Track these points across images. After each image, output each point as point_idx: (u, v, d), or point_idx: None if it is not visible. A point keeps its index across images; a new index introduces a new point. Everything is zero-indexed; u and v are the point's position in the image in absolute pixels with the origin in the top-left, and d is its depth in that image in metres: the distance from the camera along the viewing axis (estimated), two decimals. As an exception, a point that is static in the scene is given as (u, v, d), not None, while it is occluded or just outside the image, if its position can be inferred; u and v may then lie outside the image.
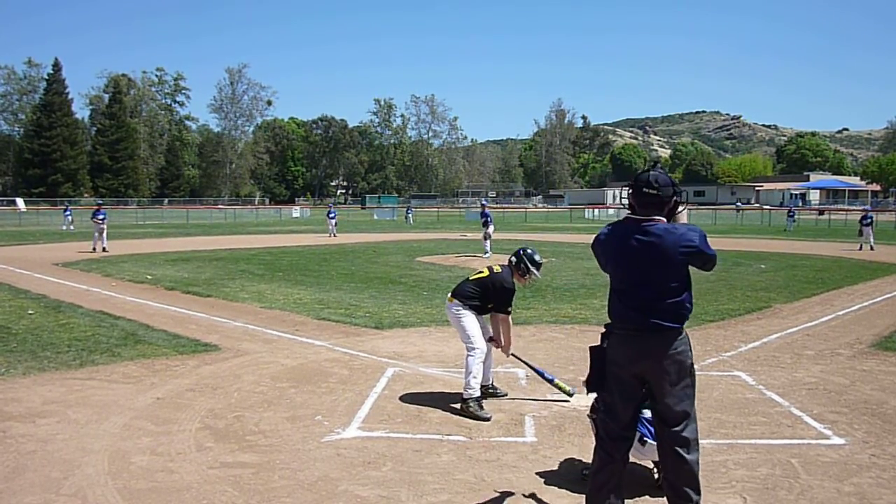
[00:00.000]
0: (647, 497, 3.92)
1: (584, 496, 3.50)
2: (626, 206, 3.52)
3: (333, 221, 31.75)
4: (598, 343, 3.42)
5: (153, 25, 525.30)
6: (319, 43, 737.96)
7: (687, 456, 3.23)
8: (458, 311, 5.60)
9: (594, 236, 3.49)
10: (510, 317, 5.74)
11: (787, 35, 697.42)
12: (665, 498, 3.39)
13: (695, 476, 3.27)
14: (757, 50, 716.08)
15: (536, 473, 4.26)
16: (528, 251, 5.71)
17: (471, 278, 5.80)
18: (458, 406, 5.47)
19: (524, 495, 3.95)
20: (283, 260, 18.67)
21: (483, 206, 22.52)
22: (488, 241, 20.18)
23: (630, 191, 3.35)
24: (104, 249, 20.83)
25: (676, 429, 3.24)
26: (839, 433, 4.98)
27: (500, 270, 5.68)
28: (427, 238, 29.75)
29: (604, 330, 3.43)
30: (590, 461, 4.30)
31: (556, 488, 4.03)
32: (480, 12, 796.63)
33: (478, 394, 5.41)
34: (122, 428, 5.00)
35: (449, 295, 5.77)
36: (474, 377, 5.40)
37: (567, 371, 6.72)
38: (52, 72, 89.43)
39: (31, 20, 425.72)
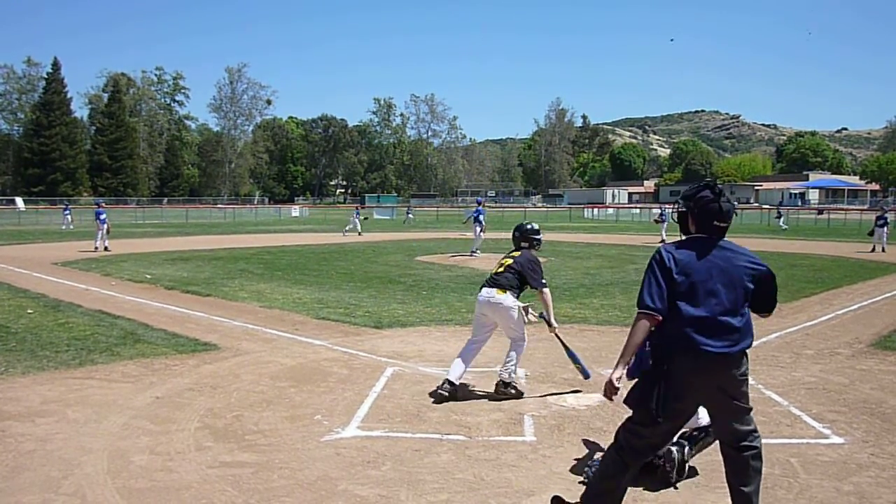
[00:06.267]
0: (645, 494, 3.92)
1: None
2: (677, 221, 3.39)
3: (357, 221, 31.55)
4: (653, 365, 3.17)
5: (152, 25, 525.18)
6: (319, 42, 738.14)
7: (759, 464, 3.27)
8: (511, 304, 5.76)
9: (660, 254, 3.22)
10: (547, 288, 5.96)
11: (786, 34, 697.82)
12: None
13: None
14: (756, 49, 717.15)
15: (536, 473, 4.26)
16: (527, 226, 6.15)
17: (502, 269, 5.94)
18: (494, 394, 5.82)
19: (524, 495, 3.95)
20: (282, 259, 18.67)
21: (479, 202, 22.59)
22: (479, 241, 20.21)
23: (692, 212, 3.28)
24: (106, 249, 20.83)
25: (748, 441, 3.24)
26: (838, 432, 4.98)
27: (522, 252, 6.01)
28: (427, 237, 29.75)
29: (649, 350, 3.20)
30: (589, 459, 4.32)
31: (555, 488, 4.02)
32: (480, 11, 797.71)
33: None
34: (122, 427, 5.00)
35: (494, 289, 5.80)
36: (516, 364, 5.84)
37: (567, 371, 6.72)
38: (51, 71, 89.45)
39: (31, 19, 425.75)
